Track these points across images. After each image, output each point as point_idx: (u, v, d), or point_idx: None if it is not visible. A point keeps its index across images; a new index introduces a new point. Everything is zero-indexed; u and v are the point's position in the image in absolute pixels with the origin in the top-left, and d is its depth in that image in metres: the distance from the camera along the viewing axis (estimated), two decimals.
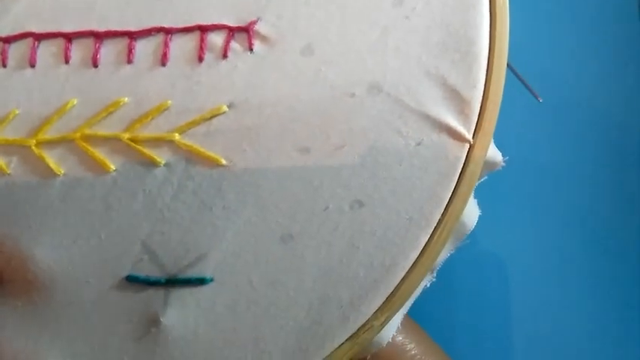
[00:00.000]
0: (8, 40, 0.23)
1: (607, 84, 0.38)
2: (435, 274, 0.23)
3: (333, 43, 0.22)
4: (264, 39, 0.22)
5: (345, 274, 0.22)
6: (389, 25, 0.22)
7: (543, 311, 0.36)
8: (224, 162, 0.22)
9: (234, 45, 0.22)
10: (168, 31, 0.22)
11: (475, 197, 0.24)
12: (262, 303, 0.22)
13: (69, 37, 0.23)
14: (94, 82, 0.23)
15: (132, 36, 0.23)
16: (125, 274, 0.22)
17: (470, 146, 0.22)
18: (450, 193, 0.22)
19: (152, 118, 0.22)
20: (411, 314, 0.25)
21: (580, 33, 0.39)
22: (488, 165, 0.23)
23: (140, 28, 0.23)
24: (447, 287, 0.34)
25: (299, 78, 0.22)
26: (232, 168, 0.22)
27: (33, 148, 0.22)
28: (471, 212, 0.23)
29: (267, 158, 0.22)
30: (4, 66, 0.23)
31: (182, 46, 0.22)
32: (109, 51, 0.23)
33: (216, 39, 0.22)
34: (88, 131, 0.22)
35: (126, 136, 0.22)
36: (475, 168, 0.22)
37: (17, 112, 0.23)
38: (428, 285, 0.23)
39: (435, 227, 0.22)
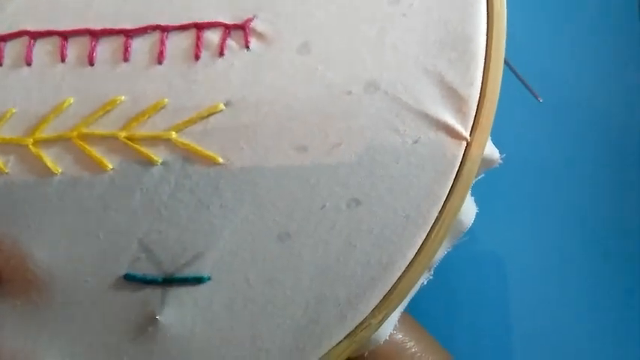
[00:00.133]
0: (4, 38, 0.23)
1: (607, 84, 0.38)
2: (432, 272, 0.23)
3: (330, 41, 0.22)
4: (260, 37, 0.22)
5: (343, 272, 0.22)
6: (386, 22, 0.22)
7: (542, 309, 0.36)
8: (221, 160, 0.22)
9: (231, 43, 0.22)
10: (165, 29, 0.22)
11: (474, 195, 0.24)
12: (259, 301, 0.22)
13: (65, 36, 0.23)
14: (91, 81, 0.22)
15: (128, 34, 0.23)
16: (122, 272, 0.22)
17: (467, 144, 0.22)
18: (448, 191, 0.22)
19: (149, 117, 0.22)
20: (410, 312, 0.25)
21: (580, 33, 0.39)
22: (486, 162, 0.23)
23: (136, 26, 0.23)
24: (446, 285, 0.34)
25: (296, 76, 0.22)
26: (229, 166, 0.22)
27: (30, 147, 0.22)
28: (468, 210, 0.23)
29: (264, 156, 0.22)
30: (0, 65, 0.23)
31: (178, 44, 0.22)
32: (105, 49, 0.23)
33: (213, 37, 0.22)
34: (84, 130, 0.22)
35: (123, 134, 0.22)
36: (472, 166, 0.22)
37: (14, 110, 0.23)
38: (425, 282, 0.23)
39: (433, 225, 0.22)
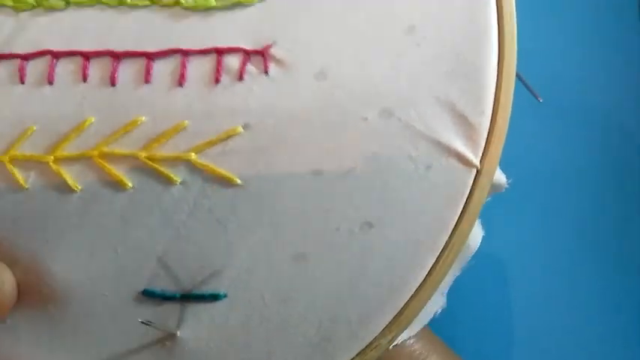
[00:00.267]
0: (27, 57, 0.23)
1: (607, 84, 0.39)
2: (445, 299, 0.24)
3: (347, 68, 0.23)
4: (279, 62, 0.23)
5: (355, 292, 0.22)
6: (401, 52, 0.23)
7: (541, 308, 0.36)
8: (239, 181, 0.22)
9: (250, 68, 0.23)
10: (186, 53, 0.23)
11: None
12: (274, 319, 0.22)
13: (87, 56, 0.23)
14: (112, 101, 0.23)
15: (150, 57, 0.23)
16: (141, 288, 0.23)
17: (477, 171, 0.23)
18: (457, 217, 0.22)
19: (169, 138, 0.23)
20: None
21: (580, 33, 0.39)
22: (494, 187, 0.23)
23: (158, 50, 0.23)
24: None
25: (313, 101, 0.23)
26: (247, 187, 0.22)
27: (51, 164, 0.23)
28: (476, 234, 0.24)
29: (280, 179, 0.22)
30: (22, 82, 0.23)
31: (199, 68, 0.23)
32: (126, 71, 0.23)
33: (233, 61, 0.23)
34: (105, 149, 0.23)
35: (143, 154, 0.23)
36: (482, 192, 0.23)
37: (34, 128, 0.23)
38: (439, 311, 0.24)
39: (442, 249, 0.22)
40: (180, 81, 0.23)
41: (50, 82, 0.23)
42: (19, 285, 0.23)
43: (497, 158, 0.23)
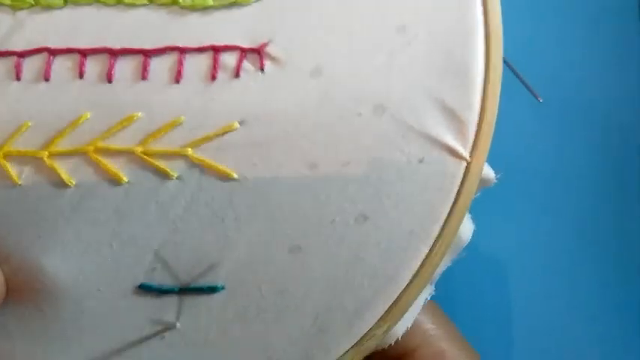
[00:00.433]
0: (23, 54, 0.23)
1: (607, 84, 0.39)
2: (434, 287, 0.24)
3: (341, 65, 0.23)
4: (275, 60, 0.23)
5: (351, 283, 0.23)
6: (393, 50, 0.24)
7: (541, 308, 0.36)
8: (235, 176, 0.23)
9: (247, 65, 0.23)
10: (183, 51, 0.23)
11: (476, 199, 0.24)
12: (271, 311, 0.23)
13: (84, 53, 0.24)
14: (108, 97, 0.23)
15: (147, 54, 0.23)
16: (138, 282, 0.23)
17: (467, 164, 0.23)
18: (449, 208, 0.23)
19: (165, 133, 0.23)
20: None
21: (580, 33, 0.39)
22: (483, 182, 0.24)
23: (155, 47, 0.23)
24: (446, 286, 0.34)
25: (308, 97, 0.23)
26: (243, 181, 0.23)
27: (45, 159, 0.23)
28: (466, 227, 0.25)
29: (276, 172, 0.23)
30: (19, 79, 0.23)
31: (196, 65, 0.23)
32: (123, 67, 0.23)
33: (229, 59, 0.23)
34: (101, 144, 0.23)
35: (139, 149, 0.23)
36: (472, 184, 0.23)
37: (29, 124, 0.23)
38: (428, 298, 0.24)
39: (435, 240, 0.23)
40: (177, 78, 0.23)
41: (46, 79, 0.23)
42: (8, 282, 0.23)
43: (486, 151, 0.23)
